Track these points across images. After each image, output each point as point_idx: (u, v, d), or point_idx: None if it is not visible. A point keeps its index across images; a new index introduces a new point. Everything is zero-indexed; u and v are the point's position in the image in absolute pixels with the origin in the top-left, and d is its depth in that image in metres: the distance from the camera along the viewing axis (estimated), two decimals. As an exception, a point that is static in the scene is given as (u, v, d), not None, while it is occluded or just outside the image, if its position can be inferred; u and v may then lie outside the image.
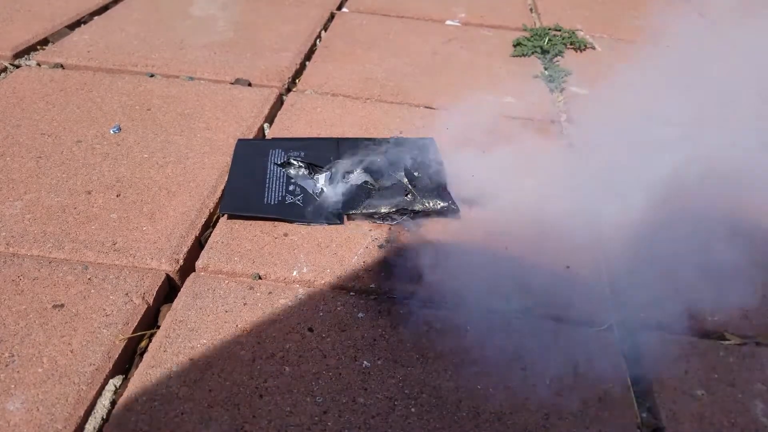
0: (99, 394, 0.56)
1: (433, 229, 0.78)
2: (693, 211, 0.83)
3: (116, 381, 0.57)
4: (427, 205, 0.80)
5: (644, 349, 0.65)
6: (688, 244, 0.77)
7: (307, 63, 1.23)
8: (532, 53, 1.32)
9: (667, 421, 0.58)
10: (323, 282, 0.69)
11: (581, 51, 1.37)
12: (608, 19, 1.59)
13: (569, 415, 0.57)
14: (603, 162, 0.91)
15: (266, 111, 1.02)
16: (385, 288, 0.69)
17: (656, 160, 0.88)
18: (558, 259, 0.75)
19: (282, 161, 0.87)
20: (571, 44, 1.37)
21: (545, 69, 1.26)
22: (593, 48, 1.39)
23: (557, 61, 1.31)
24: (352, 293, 0.68)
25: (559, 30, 1.44)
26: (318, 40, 1.34)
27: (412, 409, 0.56)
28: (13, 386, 0.55)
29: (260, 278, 0.69)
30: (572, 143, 1.02)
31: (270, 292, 0.67)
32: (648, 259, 0.76)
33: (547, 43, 1.34)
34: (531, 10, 1.64)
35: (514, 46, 1.34)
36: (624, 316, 0.69)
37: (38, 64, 1.12)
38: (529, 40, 1.35)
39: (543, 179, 0.90)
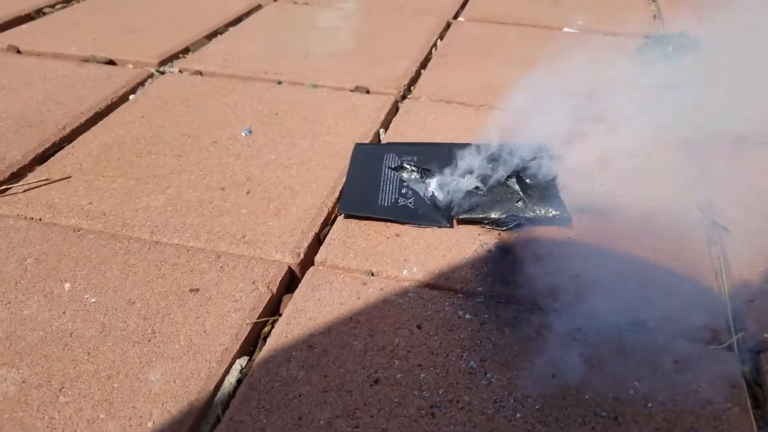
0: (227, 372, 0.61)
1: (543, 237, 0.78)
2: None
3: (242, 361, 0.63)
4: (538, 212, 0.80)
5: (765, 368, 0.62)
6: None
7: (422, 71, 1.26)
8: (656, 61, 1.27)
9: None
10: (432, 282, 0.72)
11: (709, 58, 1.29)
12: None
13: (682, 434, 0.55)
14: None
15: (382, 117, 1.06)
16: (492, 292, 0.70)
17: None
18: (678, 269, 0.73)
19: (396, 165, 0.90)
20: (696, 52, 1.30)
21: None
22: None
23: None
24: (460, 295, 0.70)
25: (684, 37, 1.37)
26: (434, 49, 1.37)
27: (518, 414, 0.57)
28: (154, 359, 0.62)
29: (373, 275, 0.73)
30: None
31: (381, 289, 0.70)
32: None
33: (672, 50, 1.28)
34: (654, 17, 1.58)
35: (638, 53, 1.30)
36: (746, 335, 0.65)
37: (180, 71, 1.23)
38: (652, 47, 1.30)
39: (663, 192, 0.87)
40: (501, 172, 0.85)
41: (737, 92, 1.04)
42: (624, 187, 0.88)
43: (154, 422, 0.55)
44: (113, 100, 1.10)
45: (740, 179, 0.91)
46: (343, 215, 0.82)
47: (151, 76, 1.21)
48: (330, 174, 0.91)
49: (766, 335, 0.65)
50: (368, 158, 0.93)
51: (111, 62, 1.25)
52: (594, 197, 0.86)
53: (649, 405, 0.57)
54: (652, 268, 0.73)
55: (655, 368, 0.61)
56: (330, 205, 0.85)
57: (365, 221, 0.81)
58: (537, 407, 0.57)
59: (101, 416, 0.56)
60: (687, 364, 0.61)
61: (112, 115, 1.06)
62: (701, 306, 0.68)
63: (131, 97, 1.13)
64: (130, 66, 1.25)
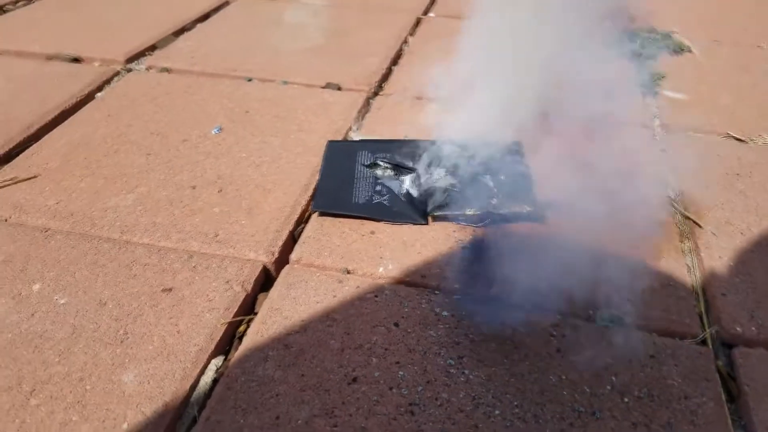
0: (202, 372, 0.60)
1: (518, 233, 0.79)
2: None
3: (217, 361, 0.62)
4: (512, 209, 0.81)
5: (739, 362, 0.63)
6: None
7: (393, 68, 1.26)
8: (624, 56, 1.29)
9: None
10: (408, 280, 0.72)
11: (678, 54, 1.32)
12: (707, 21, 1.53)
13: (658, 427, 0.56)
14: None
15: (354, 114, 1.06)
16: (469, 289, 0.70)
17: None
18: (652, 264, 0.74)
19: (369, 162, 0.90)
20: (666, 47, 1.32)
21: (637, 72, 1.23)
22: (690, 51, 1.34)
23: (650, 64, 1.27)
24: (436, 292, 0.70)
25: (653, 32, 1.40)
26: (405, 46, 1.37)
27: (496, 411, 0.57)
28: (127, 360, 0.60)
29: (349, 273, 0.73)
30: (665, 149, 1.00)
31: (358, 287, 0.70)
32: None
33: (640, 45, 1.30)
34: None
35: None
36: (719, 329, 0.67)
37: (147, 69, 1.21)
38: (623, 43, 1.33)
39: (629, 183, 0.89)
40: (475, 169, 0.86)
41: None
42: (596, 180, 0.89)
43: (128, 424, 0.54)
44: (80, 99, 1.07)
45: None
46: (317, 213, 0.81)
47: (118, 74, 1.18)
48: (303, 172, 0.90)
49: (738, 329, 0.67)
50: (341, 155, 0.92)
51: (76, 60, 1.22)
52: (566, 192, 0.87)
53: (626, 400, 0.58)
54: (627, 263, 0.74)
55: (631, 363, 0.62)
56: (304, 203, 0.84)
57: (340, 219, 0.80)
58: (515, 403, 0.58)
59: (74, 419, 0.54)
60: (662, 358, 0.63)
61: (78, 114, 1.03)
62: (675, 300, 0.70)
63: (98, 95, 1.11)
64: (97, 64, 1.22)
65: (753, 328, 0.67)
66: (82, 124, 1.00)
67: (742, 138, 1.03)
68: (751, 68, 1.29)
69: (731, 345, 0.66)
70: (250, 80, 1.16)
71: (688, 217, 0.84)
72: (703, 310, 0.70)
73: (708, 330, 0.67)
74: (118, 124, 1.01)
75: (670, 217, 0.83)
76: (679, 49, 1.34)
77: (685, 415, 0.57)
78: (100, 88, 1.12)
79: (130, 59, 1.23)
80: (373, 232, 0.79)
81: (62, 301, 0.67)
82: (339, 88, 1.15)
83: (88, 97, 1.09)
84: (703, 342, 0.66)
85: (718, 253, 0.77)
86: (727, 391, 0.61)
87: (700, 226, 0.82)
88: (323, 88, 1.15)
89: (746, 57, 1.35)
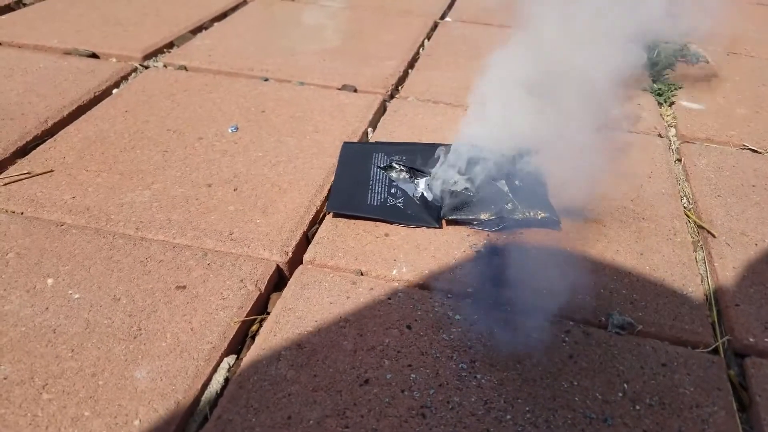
0: (215, 370, 0.61)
1: (532, 239, 0.79)
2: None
3: (230, 360, 0.62)
4: (527, 214, 0.80)
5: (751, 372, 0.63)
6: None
7: (410, 71, 1.26)
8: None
9: None
10: (421, 282, 0.72)
11: (693, 65, 1.32)
12: (723, 32, 1.53)
13: (669, 436, 0.56)
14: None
15: (370, 116, 1.06)
16: (482, 293, 0.70)
17: None
18: (665, 273, 0.74)
19: (384, 165, 0.90)
20: (682, 57, 1.32)
21: (654, 82, 1.23)
22: (706, 62, 1.33)
23: (667, 74, 1.26)
24: (449, 295, 0.70)
25: (669, 42, 1.39)
26: (421, 49, 1.37)
27: (508, 416, 0.57)
28: (140, 357, 0.61)
29: (362, 274, 0.73)
30: (680, 159, 0.99)
31: (371, 288, 0.70)
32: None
33: (657, 55, 1.30)
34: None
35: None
36: (731, 338, 0.66)
37: (164, 66, 1.22)
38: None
39: (643, 192, 0.89)
40: (490, 174, 0.85)
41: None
42: (610, 186, 0.89)
43: (140, 420, 0.54)
44: (96, 94, 1.08)
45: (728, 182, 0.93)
46: (331, 214, 0.81)
47: (135, 70, 1.19)
48: (318, 172, 0.90)
49: (751, 339, 0.66)
50: (357, 157, 0.92)
51: (94, 55, 1.23)
52: (581, 199, 0.86)
53: (638, 407, 0.58)
54: (640, 272, 0.74)
55: (643, 371, 0.62)
56: (318, 203, 0.84)
57: (354, 220, 0.80)
58: (527, 408, 0.57)
59: (86, 414, 0.54)
60: (674, 367, 0.62)
61: (95, 109, 1.04)
62: (688, 310, 0.69)
63: (114, 91, 1.11)
64: (114, 60, 1.23)
65: (766, 339, 0.66)
66: (98, 120, 1.01)
67: (758, 150, 1.02)
68: (768, 80, 1.28)
69: (743, 355, 0.66)
70: (266, 80, 1.17)
71: (702, 227, 0.83)
72: (715, 319, 0.70)
73: (720, 340, 0.66)
74: (135, 120, 1.01)
75: (684, 226, 0.83)
76: (696, 60, 1.33)
77: (696, 423, 0.57)
78: (117, 84, 1.13)
79: (148, 56, 1.24)
80: (387, 234, 0.78)
81: (76, 296, 0.67)
82: (355, 90, 1.15)
83: (105, 93, 1.10)
84: (715, 351, 0.65)
85: (731, 263, 0.77)
86: (738, 401, 0.61)
87: (714, 236, 0.81)
88: (339, 89, 1.15)
89: (763, 69, 1.34)
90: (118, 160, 0.90)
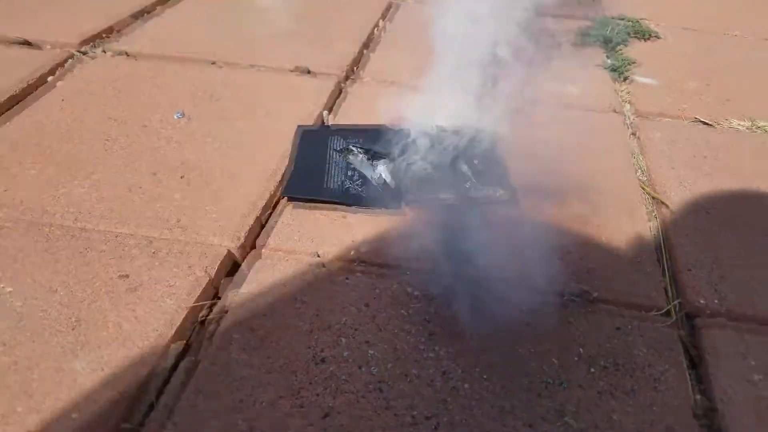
0: (161, 358, 0.57)
1: (491, 217, 0.77)
2: None
3: (177, 347, 0.59)
4: (486, 193, 0.79)
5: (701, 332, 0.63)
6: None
7: (365, 51, 1.24)
8: (595, 42, 1.29)
9: (722, 404, 0.56)
10: (380, 262, 0.69)
11: (647, 40, 1.33)
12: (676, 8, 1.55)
13: (622, 395, 0.55)
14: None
15: (326, 98, 1.03)
16: (441, 270, 0.68)
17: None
18: (620, 242, 0.73)
19: (341, 148, 0.87)
20: (636, 33, 1.33)
21: (608, 58, 1.23)
22: (658, 37, 1.35)
23: (620, 50, 1.27)
24: (408, 273, 0.68)
25: (623, 19, 1.40)
26: (376, 30, 1.35)
27: (466, 385, 0.55)
28: (79, 348, 0.57)
29: (319, 256, 0.70)
30: (635, 133, 1.00)
31: (328, 270, 0.67)
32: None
33: (610, 31, 1.30)
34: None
35: (579, 36, 1.31)
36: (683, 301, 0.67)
37: (104, 52, 1.16)
38: (593, 29, 1.32)
39: (600, 167, 0.88)
40: (449, 155, 0.84)
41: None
42: (568, 162, 0.88)
43: (80, 412, 0.51)
44: (30, 83, 1.02)
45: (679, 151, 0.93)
46: (287, 199, 0.78)
47: (72, 57, 1.13)
48: (271, 157, 0.87)
49: (701, 301, 0.67)
50: (312, 141, 0.89)
51: (26, 43, 1.16)
52: (539, 176, 0.85)
53: (593, 370, 0.58)
54: (596, 243, 0.74)
55: (598, 335, 0.61)
56: (272, 188, 0.81)
57: (310, 205, 0.78)
58: (484, 377, 0.56)
59: (19, 410, 0.50)
60: (628, 330, 0.63)
61: (29, 99, 0.98)
62: (642, 276, 0.69)
63: (50, 79, 1.05)
64: (48, 47, 1.16)
65: (715, 301, 0.67)
66: (33, 111, 0.95)
67: (710, 122, 1.03)
68: (719, 55, 1.29)
69: (694, 316, 0.66)
70: (215, 63, 1.12)
71: (656, 198, 0.84)
72: (668, 284, 0.70)
73: (672, 303, 0.67)
74: (73, 109, 0.96)
75: (639, 198, 0.83)
76: (649, 36, 1.34)
77: (648, 382, 0.57)
78: (52, 72, 1.07)
79: (85, 42, 1.17)
80: (344, 217, 0.76)
81: (8, 290, 0.62)
82: (309, 72, 1.11)
83: (40, 82, 1.04)
84: (668, 314, 0.66)
85: (684, 231, 0.77)
86: (689, 359, 0.61)
87: (667, 206, 0.82)
88: (292, 71, 1.11)
89: (714, 44, 1.36)
90: (55, 151, 0.85)
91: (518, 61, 1.20)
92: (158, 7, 1.39)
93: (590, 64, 1.21)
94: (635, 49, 1.29)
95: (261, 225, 0.75)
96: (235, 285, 0.65)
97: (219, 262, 0.68)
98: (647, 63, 1.23)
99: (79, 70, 1.08)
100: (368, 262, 0.69)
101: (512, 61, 1.19)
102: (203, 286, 0.65)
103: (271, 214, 0.77)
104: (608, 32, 1.30)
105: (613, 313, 0.65)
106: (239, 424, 0.50)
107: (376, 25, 1.37)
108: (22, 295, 0.62)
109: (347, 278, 0.66)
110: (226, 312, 0.61)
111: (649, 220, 0.79)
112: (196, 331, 0.61)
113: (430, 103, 1.04)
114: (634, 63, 1.21)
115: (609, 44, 1.28)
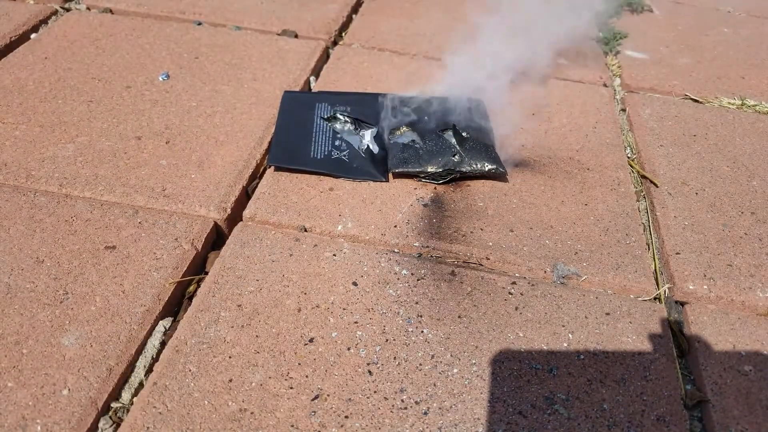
0: (149, 334, 0.57)
1: (479, 191, 0.78)
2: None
3: (166, 323, 0.59)
4: (474, 166, 0.79)
5: (690, 319, 0.64)
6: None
7: (354, 16, 1.21)
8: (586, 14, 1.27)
9: (712, 394, 0.57)
10: (367, 238, 0.70)
11: (638, 13, 1.31)
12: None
13: (612, 383, 0.57)
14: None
15: (312, 64, 1.01)
16: (429, 247, 0.69)
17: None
18: (608, 224, 0.74)
19: (328, 115, 0.86)
20: (627, 6, 1.31)
21: (599, 31, 1.22)
22: (651, 11, 1.33)
23: (612, 23, 1.26)
24: (396, 250, 0.68)
25: None
26: (366, -6, 1.32)
27: (455, 369, 0.56)
28: (67, 322, 0.57)
29: (306, 231, 0.70)
30: (625, 108, 1.00)
31: (315, 245, 0.68)
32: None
33: (601, 3, 1.28)
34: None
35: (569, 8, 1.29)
36: (672, 287, 0.68)
37: (88, 8, 1.12)
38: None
39: (588, 142, 0.89)
40: (437, 125, 0.83)
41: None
42: (556, 137, 0.88)
43: (69, 389, 0.51)
44: (12, 39, 0.98)
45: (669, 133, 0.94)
46: (272, 168, 0.78)
47: (55, 13, 1.09)
48: (257, 123, 0.86)
49: (691, 287, 0.68)
50: (299, 107, 0.88)
51: (7, -5, 1.12)
52: (527, 150, 0.86)
53: (582, 357, 0.59)
54: (584, 222, 0.74)
55: (587, 320, 0.62)
56: (258, 156, 0.80)
57: (297, 174, 0.77)
58: (473, 362, 0.57)
59: (9, 385, 0.51)
60: (617, 315, 0.63)
61: (11, 56, 0.95)
62: (631, 259, 0.70)
63: (33, 36, 1.02)
64: (31, 2, 1.12)
65: (705, 286, 0.68)
66: (15, 68, 0.92)
67: (700, 99, 1.03)
68: (711, 30, 1.29)
69: (683, 302, 0.67)
70: (200, 24, 1.09)
71: (645, 177, 0.84)
72: (657, 268, 0.71)
73: (661, 288, 0.68)
74: (56, 67, 0.93)
75: (628, 176, 0.83)
76: (641, 9, 1.33)
77: (638, 370, 0.58)
78: (35, 29, 1.04)
79: (68, -3, 1.14)
80: (331, 189, 0.76)
81: (-5, 259, 0.62)
82: (296, 36, 1.09)
83: (22, 38, 1.00)
84: (657, 299, 0.67)
85: (673, 212, 0.78)
86: (678, 347, 0.62)
87: (656, 186, 0.82)
88: (279, 34, 1.09)
89: (706, 19, 1.35)
90: (38, 111, 0.83)
91: (508, 31, 1.19)
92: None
93: (580, 36, 1.20)
94: (627, 22, 1.28)
95: (247, 195, 0.75)
96: (222, 259, 0.65)
97: (206, 234, 0.68)
98: (638, 37, 1.22)
99: (62, 26, 1.04)
100: (356, 238, 0.69)
101: (502, 31, 1.18)
102: (190, 259, 0.65)
103: (258, 183, 0.76)
104: (599, 4, 1.28)
105: (602, 297, 0.65)
106: (230, 405, 0.51)
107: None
108: (8, 265, 0.61)
109: (334, 255, 0.67)
110: (214, 287, 0.62)
111: (638, 200, 0.80)
112: (184, 307, 0.62)
113: (418, 70, 1.02)
114: (625, 37, 1.19)
115: (600, 17, 1.26)
